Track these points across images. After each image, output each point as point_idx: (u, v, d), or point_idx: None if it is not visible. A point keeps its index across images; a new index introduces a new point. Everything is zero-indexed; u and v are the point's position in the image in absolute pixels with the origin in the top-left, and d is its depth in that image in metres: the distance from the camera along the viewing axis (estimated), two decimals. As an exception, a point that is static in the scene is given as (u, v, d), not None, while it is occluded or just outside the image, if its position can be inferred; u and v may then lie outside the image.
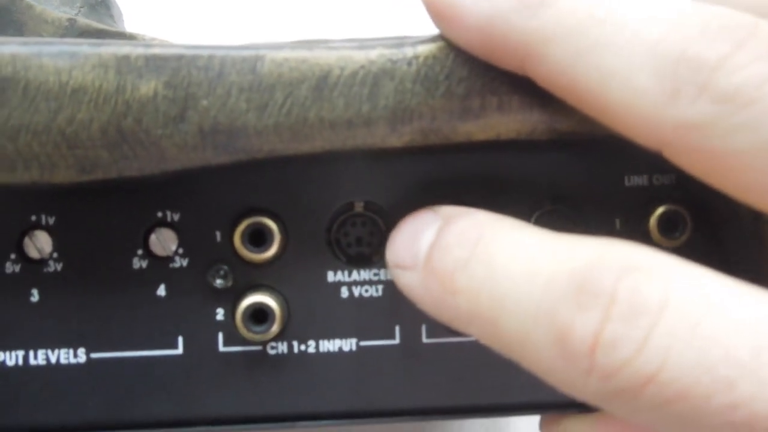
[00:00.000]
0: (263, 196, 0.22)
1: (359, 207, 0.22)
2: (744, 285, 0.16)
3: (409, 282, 0.19)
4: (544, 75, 0.18)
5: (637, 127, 0.18)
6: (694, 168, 0.17)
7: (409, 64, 0.20)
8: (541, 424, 0.24)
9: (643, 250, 0.16)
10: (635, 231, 0.23)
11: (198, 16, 0.44)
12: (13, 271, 0.21)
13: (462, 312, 0.18)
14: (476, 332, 0.18)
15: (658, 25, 0.17)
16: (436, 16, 0.19)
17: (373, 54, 0.20)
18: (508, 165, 0.23)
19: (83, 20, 0.28)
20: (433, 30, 0.20)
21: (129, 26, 0.32)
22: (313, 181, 0.22)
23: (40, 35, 0.27)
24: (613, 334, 0.15)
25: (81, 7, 0.29)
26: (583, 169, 0.23)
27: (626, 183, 0.23)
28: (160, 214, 0.22)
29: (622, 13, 0.17)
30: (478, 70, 0.20)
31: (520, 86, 0.20)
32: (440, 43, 0.20)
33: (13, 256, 0.21)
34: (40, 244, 0.21)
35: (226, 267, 0.21)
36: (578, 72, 0.18)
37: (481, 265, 0.18)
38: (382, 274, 0.22)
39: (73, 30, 0.27)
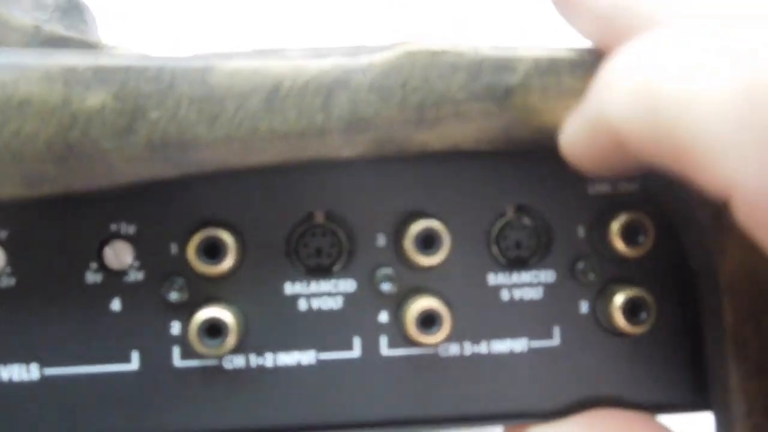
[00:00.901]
0: (220, 208, 0.21)
1: (320, 217, 0.22)
2: None
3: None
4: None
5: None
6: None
7: (364, 73, 0.19)
8: None
9: None
10: (598, 239, 0.22)
11: (176, 22, 0.43)
12: None
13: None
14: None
15: None
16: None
17: (327, 63, 0.19)
18: (471, 173, 0.22)
19: (49, 27, 0.27)
20: (396, 36, 0.20)
21: (104, 31, 0.31)
22: (272, 192, 0.22)
23: (7, 43, 0.26)
24: None
25: (53, 12, 0.29)
26: (546, 177, 0.23)
27: (589, 191, 0.23)
28: (114, 227, 0.21)
29: None
30: (434, 79, 0.19)
31: (479, 94, 0.19)
32: (396, 52, 0.19)
33: None
34: (-8, 258, 0.21)
35: (181, 280, 0.21)
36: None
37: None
38: (342, 286, 0.22)
39: (38, 37, 0.27)
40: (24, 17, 0.27)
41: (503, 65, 0.20)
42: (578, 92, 0.20)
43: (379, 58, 0.19)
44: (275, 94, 0.19)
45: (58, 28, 0.26)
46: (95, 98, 0.18)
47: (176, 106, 0.19)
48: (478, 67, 0.20)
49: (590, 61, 0.20)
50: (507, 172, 0.22)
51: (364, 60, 0.19)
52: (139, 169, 0.19)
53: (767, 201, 0.14)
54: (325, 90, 0.19)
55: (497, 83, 0.20)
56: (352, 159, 0.19)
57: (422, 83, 0.19)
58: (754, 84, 0.14)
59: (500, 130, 0.20)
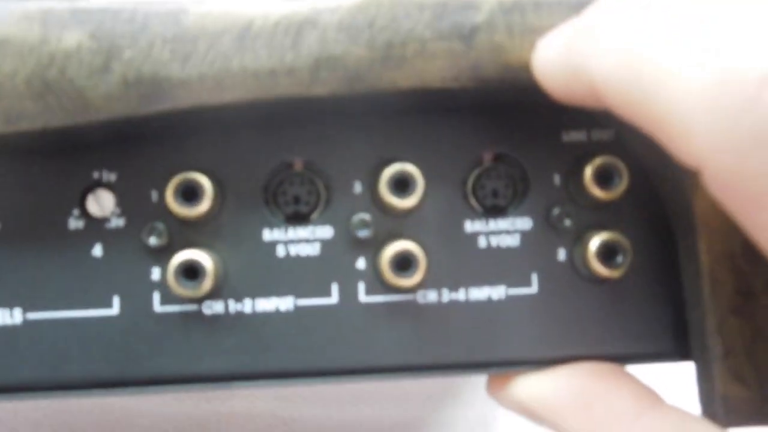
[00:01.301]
0: (199, 155, 0.22)
1: (298, 166, 0.23)
2: None
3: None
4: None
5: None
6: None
7: (333, 13, 0.20)
8: (489, 387, 0.23)
9: None
10: (573, 186, 0.23)
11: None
12: None
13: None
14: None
15: None
16: None
17: (297, 4, 0.20)
18: (448, 123, 0.23)
19: None
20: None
21: None
22: (251, 141, 0.22)
23: None
24: None
25: None
26: (522, 126, 0.23)
27: (564, 138, 0.23)
28: (96, 175, 0.22)
29: None
30: (400, 18, 0.20)
31: (444, 33, 0.20)
32: None
33: None
34: (-23, 206, 0.22)
35: (161, 225, 0.21)
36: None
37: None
38: (319, 233, 0.22)
39: None
40: None
41: (468, 4, 0.20)
42: (543, 30, 0.20)
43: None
44: (246, 33, 0.20)
45: None
46: (72, 38, 0.19)
47: (150, 46, 0.19)
48: (443, 6, 0.20)
49: (555, 1, 0.20)
50: (483, 121, 0.23)
51: (332, 2, 0.20)
52: (114, 107, 0.19)
53: (733, 180, 0.15)
54: (295, 29, 0.20)
55: (462, 22, 0.20)
56: (322, 96, 0.20)
57: (389, 22, 0.20)
58: (727, 74, 0.14)
59: (467, 68, 0.20)
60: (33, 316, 0.22)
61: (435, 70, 0.20)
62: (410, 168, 0.22)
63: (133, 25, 0.19)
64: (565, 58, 0.19)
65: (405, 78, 0.20)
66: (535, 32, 0.20)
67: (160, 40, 0.19)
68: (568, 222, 0.22)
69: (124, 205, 0.22)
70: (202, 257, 0.21)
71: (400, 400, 0.41)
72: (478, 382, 0.43)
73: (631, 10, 0.17)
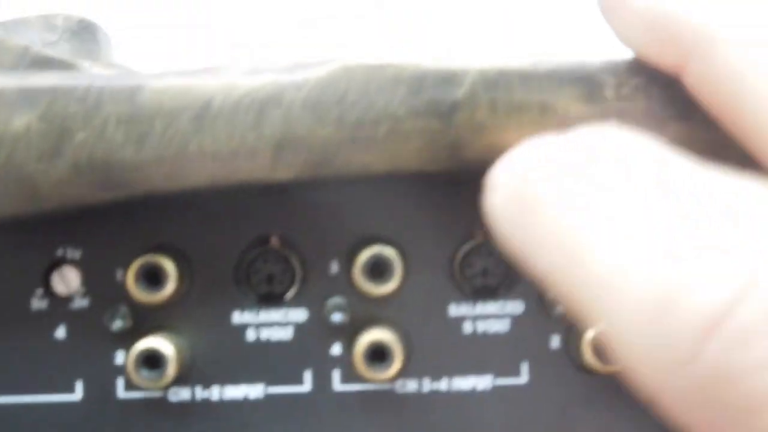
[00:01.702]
0: (167, 232, 0.21)
1: (274, 242, 0.21)
2: None
3: (494, 201, 0.15)
4: (703, 81, 0.17)
5: None
6: None
7: (298, 89, 0.18)
8: None
9: None
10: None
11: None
12: None
13: (541, 244, 0.13)
14: (554, 260, 0.13)
15: None
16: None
17: (260, 79, 0.18)
18: (437, 196, 0.21)
19: (36, 49, 0.27)
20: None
21: (119, 51, 0.31)
22: (222, 217, 0.21)
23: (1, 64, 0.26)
24: (749, 318, 0.11)
25: (62, 33, 0.29)
26: None
27: None
28: (60, 252, 0.21)
29: None
30: (372, 94, 0.18)
31: (421, 110, 0.18)
32: (333, 66, 0.18)
33: None
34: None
35: (124, 308, 0.20)
36: (743, 88, 0.16)
37: (585, 179, 0.13)
38: (292, 316, 0.21)
39: (25, 58, 0.27)
40: (32, 39, 0.27)
41: (447, 78, 0.18)
42: (531, 107, 0.18)
43: (314, 73, 0.18)
44: (205, 111, 0.18)
45: (64, 50, 0.26)
46: (20, 120, 0.18)
47: (103, 126, 0.18)
48: (420, 80, 0.18)
49: (544, 73, 0.18)
50: (476, 194, 0.21)
51: (299, 76, 0.18)
52: (64, 193, 0.18)
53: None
54: (257, 107, 0.18)
55: (441, 98, 0.18)
56: (285, 181, 0.18)
57: (360, 98, 0.18)
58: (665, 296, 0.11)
59: (445, 148, 0.18)
60: None
61: (410, 151, 0.18)
62: (388, 251, 0.20)
63: (85, 105, 0.18)
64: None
65: (377, 160, 0.18)
66: (521, 109, 0.18)
67: (114, 119, 0.18)
68: (562, 308, 0.21)
69: (89, 283, 0.21)
70: (164, 345, 0.20)
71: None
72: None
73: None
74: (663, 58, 0.18)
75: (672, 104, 0.18)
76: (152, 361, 0.20)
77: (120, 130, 0.18)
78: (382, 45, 0.19)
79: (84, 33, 0.29)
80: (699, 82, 0.17)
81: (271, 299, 0.21)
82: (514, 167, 0.15)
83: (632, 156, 0.13)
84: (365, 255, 0.20)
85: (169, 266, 0.20)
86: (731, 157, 0.17)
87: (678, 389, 0.11)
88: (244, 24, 0.42)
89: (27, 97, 0.18)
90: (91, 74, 0.19)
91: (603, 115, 0.18)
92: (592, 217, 0.13)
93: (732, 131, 0.17)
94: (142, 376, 0.20)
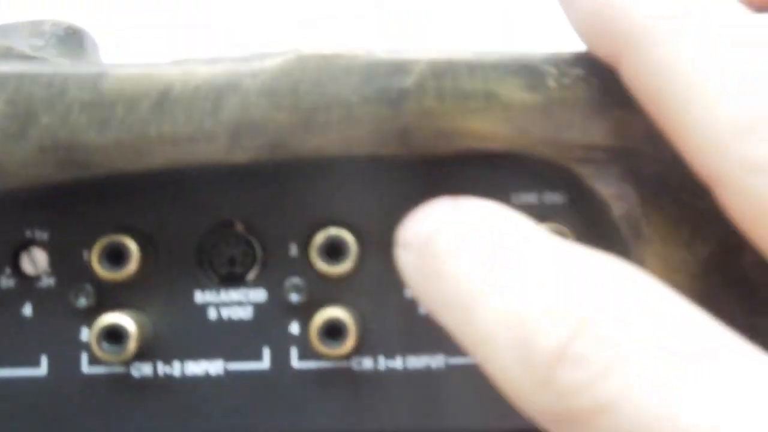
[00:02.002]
0: (132, 215, 0.22)
1: (238, 226, 0.22)
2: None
3: (406, 261, 0.19)
4: (634, 74, 0.18)
5: (700, 156, 0.17)
6: (740, 213, 0.17)
7: (255, 77, 0.19)
8: None
9: (640, 279, 0.16)
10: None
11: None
12: None
13: (440, 296, 0.17)
14: (449, 319, 0.17)
15: (760, 65, 0.17)
16: None
17: (218, 68, 0.19)
18: (393, 181, 0.22)
19: (20, 49, 0.28)
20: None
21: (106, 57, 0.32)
22: (186, 199, 0.22)
23: None
24: (582, 350, 0.14)
25: (49, 39, 0.30)
26: (470, 185, 0.22)
27: (513, 200, 0.22)
28: (29, 233, 0.22)
29: (730, 44, 0.17)
30: (326, 82, 0.19)
31: (372, 98, 0.19)
32: (288, 57, 0.19)
33: None
34: None
35: (89, 286, 0.21)
36: (667, 83, 0.17)
37: (475, 256, 0.17)
38: (252, 296, 0.22)
39: (8, 57, 0.28)
40: (19, 44, 0.28)
41: (397, 68, 0.19)
42: (475, 95, 0.19)
43: (270, 63, 0.19)
44: (165, 97, 0.19)
45: (51, 55, 0.27)
46: None
47: (67, 111, 0.19)
48: (371, 69, 0.19)
49: (490, 64, 0.19)
50: (431, 179, 0.22)
51: (255, 65, 0.19)
52: (29, 173, 0.19)
53: None
54: (215, 94, 0.19)
55: (391, 86, 0.19)
56: (242, 164, 0.19)
57: (313, 87, 0.19)
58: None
59: (395, 134, 0.19)
60: None
61: (361, 136, 0.19)
62: (343, 233, 0.21)
63: (50, 90, 0.19)
64: None
65: (330, 144, 0.19)
66: (468, 97, 0.19)
67: (77, 105, 0.19)
68: None
69: (56, 264, 0.22)
70: (126, 321, 0.21)
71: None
72: None
73: None
74: (601, 49, 0.19)
75: (612, 92, 0.19)
76: (114, 335, 0.21)
77: (83, 114, 0.19)
78: (381, 45, 0.20)
79: (71, 39, 0.30)
80: (631, 75, 0.18)
81: (233, 280, 0.22)
82: (420, 231, 0.18)
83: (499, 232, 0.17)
84: (321, 237, 0.21)
85: (132, 245, 0.21)
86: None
87: (539, 406, 0.15)
88: (244, 24, 0.43)
89: None
90: (57, 63, 0.20)
91: (545, 103, 0.19)
92: (476, 282, 0.16)
93: (660, 125, 0.18)
94: (104, 350, 0.21)
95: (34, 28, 0.28)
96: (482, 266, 0.17)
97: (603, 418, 0.14)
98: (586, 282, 0.16)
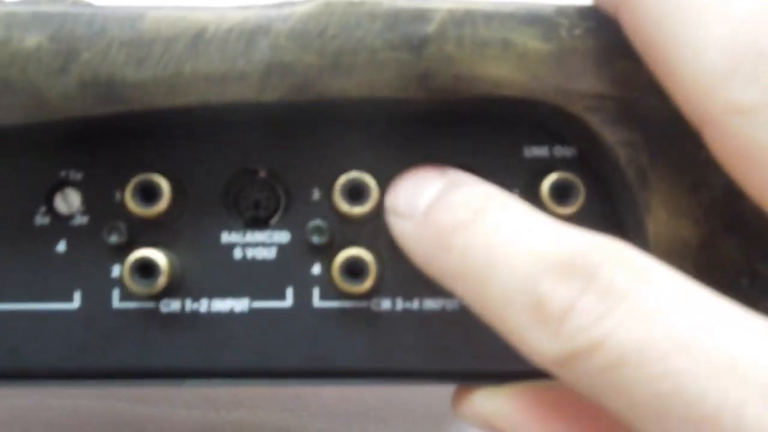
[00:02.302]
0: (163, 158, 0.23)
1: (262, 173, 0.23)
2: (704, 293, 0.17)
3: (404, 230, 0.21)
4: (631, 22, 0.19)
5: (690, 100, 0.19)
6: (726, 155, 0.18)
7: (284, 21, 0.20)
8: (453, 399, 0.24)
9: (632, 252, 0.18)
10: (532, 199, 0.22)
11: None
12: None
13: (450, 268, 0.19)
14: (460, 290, 0.20)
15: (746, 7, 0.18)
16: None
17: (250, 12, 0.20)
18: (411, 137, 0.23)
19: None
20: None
21: None
22: (214, 145, 0.23)
23: None
24: (585, 305, 0.17)
25: None
26: (484, 139, 0.23)
27: (525, 154, 0.23)
28: (63, 174, 0.23)
29: None
30: (351, 27, 0.20)
31: (395, 43, 0.20)
32: (316, 2, 0.20)
33: None
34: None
35: (121, 224, 0.22)
36: (660, 30, 0.19)
37: (483, 229, 0.19)
38: (276, 237, 0.23)
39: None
40: None
41: (419, 15, 0.20)
42: (493, 42, 0.20)
43: (299, 8, 0.20)
44: (200, 38, 0.20)
45: None
46: (32, 39, 0.20)
47: (107, 49, 0.20)
48: (395, 16, 0.20)
49: (507, 14, 0.20)
50: (447, 132, 0.23)
51: (285, 11, 0.20)
52: (71, 106, 0.20)
53: None
54: (247, 36, 0.20)
55: (413, 33, 0.20)
56: (272, 103, 0.20)
57: (340, 31, 0.20)
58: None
59: (416, 78, 0.20)
60: None
61: (384, 80, 0.20)
62: (365, 177, 0.22)
63: (91, 29, 0.20)
64: None
65: (354, 87, 0.20)
66: (485, 45, 0.20)
67: (116, 43, 0.20)
68: None
69: (89, 203, 0.23)
70: (157, 256, 0.22)
71: (410, 418, 0.41)
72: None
73: None
74: (603, 1, 0.20)
75: (619, 44, 0.20)
76: (146, 269, 0.22)
77: (122, 52, 0.20)
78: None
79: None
80: (629, 24, 0.19)
81: (257, 222, 0.23)
82: (414, 202, 0.21)
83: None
84: (344, 179, 0.22)
85: (164, 184, 0.22)
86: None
87: (549, 354, 0.17)
88: None
89: (39, 19, 0.20)
90: (97, 6, 0.21)
91: (558, 52, 0.20)
92: (485, 255, 0.19)
93: (655, 73, 0.19)
94: (136, 283, 0.22)
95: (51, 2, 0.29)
96: (489, 239, 0.19)
97: (598, 351, 0.17)
98: (586, 246, 0.18)
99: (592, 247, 0.18)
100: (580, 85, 0.21)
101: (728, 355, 0.16)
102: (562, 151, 0.23)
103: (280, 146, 0.23)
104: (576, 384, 0.18)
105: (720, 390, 0.15)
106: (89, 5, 0.21)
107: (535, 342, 0.18)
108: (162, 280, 0.22)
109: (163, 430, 0.40)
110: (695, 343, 0.16)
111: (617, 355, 0.16)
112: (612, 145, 0.21)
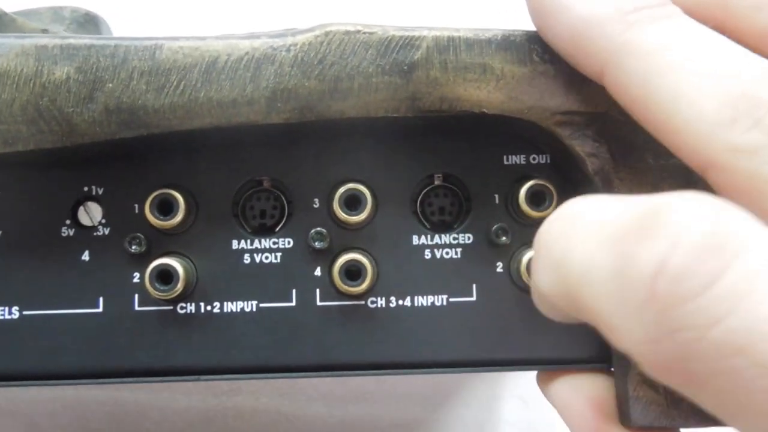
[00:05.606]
0: (177, 174, 0.25)
1: (267, 183, 0.25)
2: None
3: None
4: (618, 85, 0.20)
5: (691, 147, 0.19)
6: (735, 193, 0.18)
7: (288, 50, 0.23)
8: (538, 380, 0.26)
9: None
10: (510, 204, 0.25)
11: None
12: None
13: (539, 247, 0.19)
14: (545, 260, 0.18)
15: (728, 63, 0.19)
16: (535, 10, 0.21)
17: (257, 42, 0.23)
18: (398, 147, 0.25)
19: (54, 32, 0.31)
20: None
21: None
22: (223, 161, 0.25)
23: None
24: (681, 264, 0.14)
25: (69, 24, 0.33)
26: (468, 150, 0.25)
27: (505, 161, 0.25)
28: (86, 189, 0.25)
29: (700, 47, 0.19)
30: (348, 55, 0.23)
31: (387, 69, 0.23)
32: (316, 32, 0.23)
33: None
34: (-18, 215, 0.25)
35: (141, 235, 0.24)
36: (650, 89, 0.19)
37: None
38: (281, 243, 0.25)
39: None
40: (41, 26, 0.31)
41: (408, 43, 0.23)
42: (473, 67, 0.23)
43: (301, 38, 0.23)
44: (212, 67, 0.22)
45: None
46: (61, 71, 0.22)
47: (129, 78, 0.22)
48: (386, 45, 0.23)
49: (485, 40, 0.23)
50: (433, 144, 0.25)
51: (288, 40, 0.23)
52: (96, 131, 0.22)
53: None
54: (255, 64, 0.23)
55: (402, 59, 0.23)
56: (278, 125, 0.23)
57: (338, 59, 0.23)
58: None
59: (405, 99, 0.23)
60: (28, 312, 0.25)
61: (378, 101, 0.23)
62: (360, 187, 0.24)
63: (114, 60, 0.22)
64: None
65: (351, 108, 0.23)
66: (467, 69, 0.23)
67: (137, 73, 0.22)
68: (504, 239, 0.25)
69: (110, 216, 0.25)
70: (175, 264, 0.24)
71: (400, 401, 0.43)
72: (474, 384, 0.45)
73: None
74: (584, 67, 0.21)
75: None
76: (164, 276, 0.24)
77: (142, 81, 0.22)
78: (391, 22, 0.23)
79: (89, 24, 0.33)
80: (615, 86, 0.21)
81: (264, 230, 0.25)
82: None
83: None
84: (342, 189, 0.24)
85: (179, 198, 0.24)
86: None
87: (639, 327, 0.15)
88: (244, 24, 0.46)
89: (66, 52, 0.22)
90: (118, 37, 0.23)
91: (531, 74, 0.23)
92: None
93: (649, 128, 0.20)
94: (156, 288, 0.24)
95: (55, 13, 0.31)
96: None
97: (713, 330, 0.14)
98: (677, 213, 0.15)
99: (675, 195, 0.16)
100: (551, 103, 0.23)
101: None
102: (538, 159, 0.25)
103: (283, 160, 0.25)
104: (678, 366, 0.14)
105: None
106: (111, 37, 0.23)
107: (624, 318, 0.15)
108: (179, 286, 0.24)
109: (165, 417, 0.42)
110: None
111: (742, 340, 0.13)
112: (580, 155, 0.23)
